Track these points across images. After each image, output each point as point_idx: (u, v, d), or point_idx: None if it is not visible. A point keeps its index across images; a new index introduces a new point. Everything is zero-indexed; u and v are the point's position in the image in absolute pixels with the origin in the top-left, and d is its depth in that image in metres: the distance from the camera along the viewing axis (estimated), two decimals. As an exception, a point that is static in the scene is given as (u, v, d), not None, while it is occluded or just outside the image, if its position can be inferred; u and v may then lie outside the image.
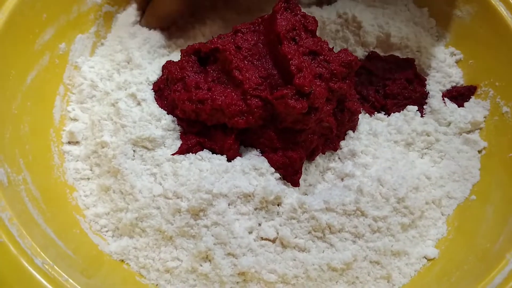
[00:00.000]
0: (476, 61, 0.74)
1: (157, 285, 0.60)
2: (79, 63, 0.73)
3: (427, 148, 0.72)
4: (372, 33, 0.77)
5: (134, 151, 0.65)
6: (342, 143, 0.69)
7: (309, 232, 0.61)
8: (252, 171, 0.63)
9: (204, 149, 0.65)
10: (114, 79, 0.72)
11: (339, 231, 0.61)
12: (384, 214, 0.62)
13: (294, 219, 0.61)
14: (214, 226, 0.60)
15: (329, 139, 0.68)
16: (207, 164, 0.63)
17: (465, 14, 0.74)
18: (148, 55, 0.72)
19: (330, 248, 0.61)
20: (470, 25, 0.74)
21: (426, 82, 0.76)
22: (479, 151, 0.71)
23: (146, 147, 0.65)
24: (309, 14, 0.65)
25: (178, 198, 0.60)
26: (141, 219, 0.61)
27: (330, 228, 0.61)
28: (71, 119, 0.70)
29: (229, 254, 0.59)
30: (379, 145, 0.69)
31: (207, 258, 0.60)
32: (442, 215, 0.68)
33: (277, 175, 0.64)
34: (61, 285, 0.51)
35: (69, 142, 0.69)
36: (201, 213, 0.60)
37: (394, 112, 0.73)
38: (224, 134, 0.64)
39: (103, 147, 0.66)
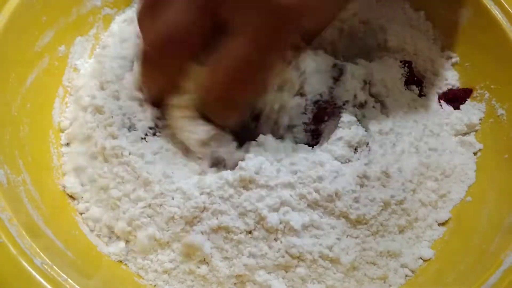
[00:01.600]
0: (471, 64, 0.74)
1: (155, 285, 0.60)
2: (78, 65, 0.73)
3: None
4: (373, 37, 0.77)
5: None
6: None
7: None
8: None
9: None
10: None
11: None
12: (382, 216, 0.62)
13: None
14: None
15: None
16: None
17: (461, 17, 0.75)
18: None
19: None
20: (465, 29, 0.75)
21: (422, 85, 0.77)
22: (475, 153, 0.71)
23: None
24: None
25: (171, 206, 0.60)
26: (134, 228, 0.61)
27: None
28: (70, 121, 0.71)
29: (226, 258, 0.59)
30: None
31: (204, 261, 0.60)
32: (438, 216, 0.68)
33: None
34: (60, 285, 0.51)
35: (67, 144, 0.69)
36: (195, 220, 0.60)
37: (390, 114, 0.73)
38: None
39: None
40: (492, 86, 0.72)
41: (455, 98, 0.75)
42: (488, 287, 0.53)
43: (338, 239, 0.60)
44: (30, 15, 0.66)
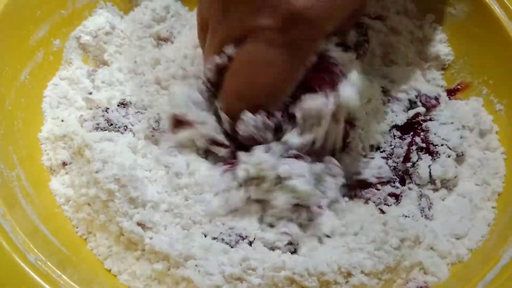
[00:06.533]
0: (469, 58, 0.74)
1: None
2: (73, 60, 0.72)
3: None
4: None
5: None
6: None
7: None
8: None
9: None
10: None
11: None
12: None
13: None
14: None
15: None
16: None
17: (460, 12, 0.74)
18: None
19: None
20: (464, 23, 0.74)
21: (421, 80, 0.76)
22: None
23: None
24: None
25: None
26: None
27: None
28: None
29: None
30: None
31: None
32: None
33: None
34: (54, 281, 0.50)
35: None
36: None
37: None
38: None
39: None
40: (490, 82, 0.71)
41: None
42: (486, 283, 0.53)
43: None
44: (25, 9, 0.65)
